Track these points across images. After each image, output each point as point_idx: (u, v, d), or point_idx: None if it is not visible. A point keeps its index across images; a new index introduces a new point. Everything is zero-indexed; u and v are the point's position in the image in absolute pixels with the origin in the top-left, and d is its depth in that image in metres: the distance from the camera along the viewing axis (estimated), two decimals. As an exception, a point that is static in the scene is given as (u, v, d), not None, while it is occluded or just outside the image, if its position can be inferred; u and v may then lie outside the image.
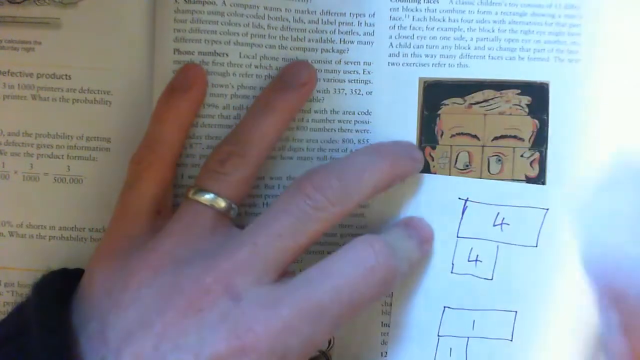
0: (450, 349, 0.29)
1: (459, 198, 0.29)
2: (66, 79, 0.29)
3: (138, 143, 0.28)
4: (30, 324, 0.23)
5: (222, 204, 0.26)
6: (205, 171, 0.27)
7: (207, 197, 0.26)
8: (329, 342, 0.29)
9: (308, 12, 0.29)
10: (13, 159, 0.29)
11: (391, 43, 0.30)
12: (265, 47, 0.29)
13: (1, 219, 0.30)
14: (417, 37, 0.30)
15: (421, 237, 0.28)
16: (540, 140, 0.29)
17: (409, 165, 0.28)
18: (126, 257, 0.25)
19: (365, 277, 0.24)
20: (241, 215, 0.28)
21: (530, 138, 0.30)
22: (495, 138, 0.30)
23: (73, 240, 0.30)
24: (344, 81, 0.29)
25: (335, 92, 0.29)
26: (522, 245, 0.29)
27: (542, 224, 0.29)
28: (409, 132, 0.30)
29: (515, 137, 0.30)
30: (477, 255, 0.29)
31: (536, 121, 0.29)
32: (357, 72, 0.29)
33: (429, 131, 0.30)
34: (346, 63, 0.29)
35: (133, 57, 0.29)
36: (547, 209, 0.29)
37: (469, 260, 0.29)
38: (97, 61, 0.29)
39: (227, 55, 0.29)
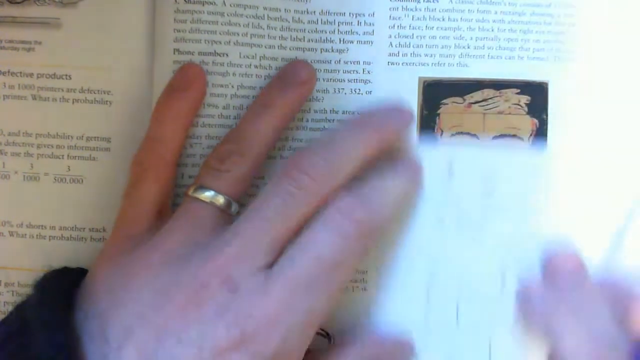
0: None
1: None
2: (66, 79, 0.29)
3: (138, 143, 0.28)
4: (33, 322, 0.23)
5: (221, 200, 0.26)
6: (205, 169, 0.27)
7: (207, 194, 0.26)
8: (330, 341, 0.30)
9: (307, 12, 0.29)
10: (13, 159, 0.29)
11: (391, 42, 0.30)
12: (265, 47, 0.29)
13: (1, 219, 0.30)
14: (417, 36, 0.30)
15: (407, 168, 0.28)
16: (539, 140, 0.30)
17: (394, 129, 0.28)
18: (127, 256, 0.25)
19: (341, 237, 0.24)
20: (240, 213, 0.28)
21: (529, 137, 0.30)
22: (495, 137, 0.30)
23: (73, 240, 0.30)
24: (344, 81, 0.29)
25: (334, 91, 0.29)
26: None
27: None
28: (409, 131, 0.30)
29: (514, 136, 0.30)
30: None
31: (535, 120, 0.29)
32: (357, 72, 0.29)
33: (429, 130, 0.30)
34: (346, 63, 0.29)
35: (133, 57, 0.29)
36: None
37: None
38: (97, 61, 0.29)
39: (227, 55, 0.29)
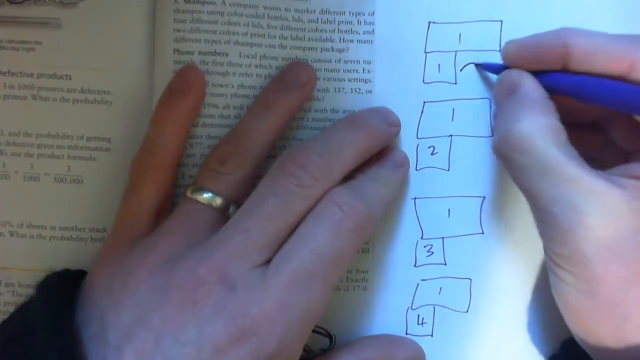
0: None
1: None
2: (66, 79, 0.29)
3: (138, 143, 0.28)
4: (36, 325, 0.23)
5: (219, 202, 0.26)
6: (205, 170, 0.27)
7: (205, 196, 0.26)
8: (331, 341, 0.29)
9: (307, 12, 0.29)
10: (13, 159, 0.29)
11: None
12: (265, 46, 0.29)
13: (1, 219, 0.30)
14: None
15: (394, 162, 0.28)
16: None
17: (386, 132, 0.28)
18: (126, 257, 0.25)
19: (338, 230, 0.24)
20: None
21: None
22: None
23: (73, 240, 0.30)
24: (344, 80, 0.29)
25: (335, 91, 0.29)
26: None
27: None
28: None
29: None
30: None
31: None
32: (357, 71, 0.29)
33: (430, 130, 0.30)
34: (346, 62, 0.29)
35: (133, 57, 0.29)
36: None
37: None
38: (97, 61, 0.29)
39: (227, 55, 0.29)
